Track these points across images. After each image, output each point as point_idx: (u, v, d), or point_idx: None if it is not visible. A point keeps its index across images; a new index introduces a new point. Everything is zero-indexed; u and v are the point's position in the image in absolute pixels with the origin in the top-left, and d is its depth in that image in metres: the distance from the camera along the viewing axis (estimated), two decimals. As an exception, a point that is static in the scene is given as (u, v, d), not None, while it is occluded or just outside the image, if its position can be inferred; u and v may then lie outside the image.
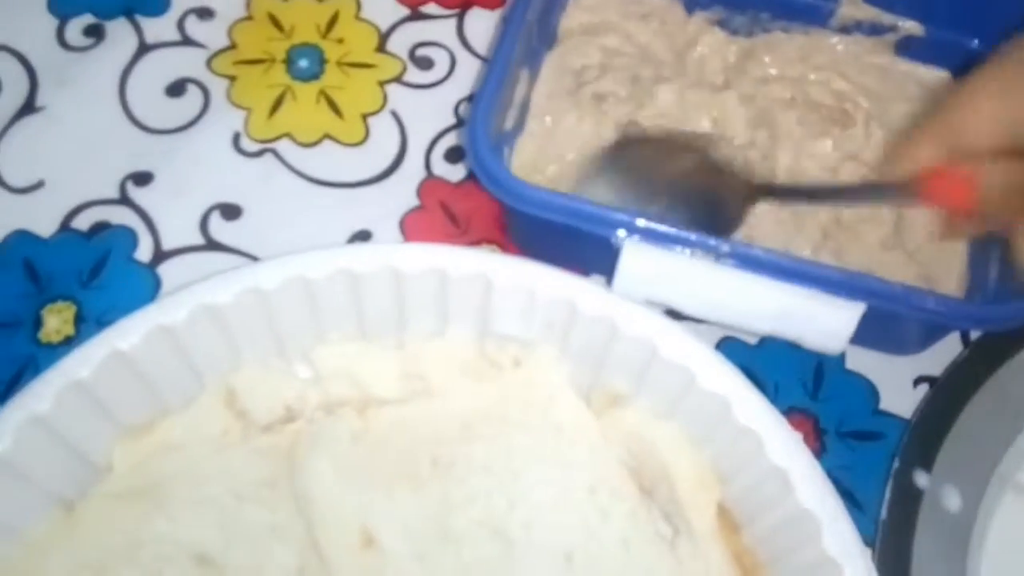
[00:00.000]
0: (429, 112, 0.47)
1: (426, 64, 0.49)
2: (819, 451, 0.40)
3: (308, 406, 0.37)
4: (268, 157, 0.46)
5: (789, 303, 0.35)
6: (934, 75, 0.46)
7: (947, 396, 0.39)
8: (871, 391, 0.42)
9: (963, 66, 0.46)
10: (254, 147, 0.46)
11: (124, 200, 0.44)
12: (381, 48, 0.49)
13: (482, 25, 0.50)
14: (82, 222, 0.43)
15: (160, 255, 0.43)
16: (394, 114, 0.47)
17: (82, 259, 0.43)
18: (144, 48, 0.48)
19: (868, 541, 0.36)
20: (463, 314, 0.37)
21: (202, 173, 0.45)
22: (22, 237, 0.43)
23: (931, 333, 0.41)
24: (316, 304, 0.36)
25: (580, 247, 0.38)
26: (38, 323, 0.41)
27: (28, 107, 0.46)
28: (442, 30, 0.50)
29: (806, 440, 0.40)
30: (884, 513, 0.36)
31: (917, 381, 0.42)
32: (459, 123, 0.47)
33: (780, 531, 0.34)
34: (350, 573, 0.34)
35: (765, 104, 0.45)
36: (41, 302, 0.41)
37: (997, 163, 0.34)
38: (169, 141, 0.46)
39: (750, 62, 0.46)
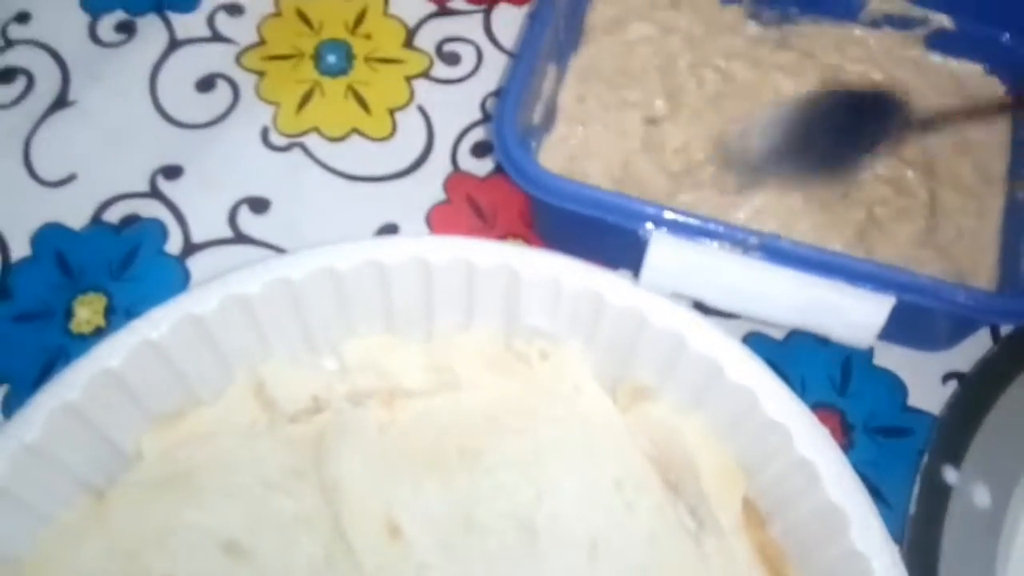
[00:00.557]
0: (456, 107, 0.48)
1: (453, 59, 0.49)
2: (846, 447, 0.40)
3: (335, 397, 0.37)
4: (296, 152, 0.46)
5: (818, 296, 0.35)
6: (967, 68, 0.46)
7: (977, 392, 0.38)
8: (899, 387, 0.41)
9: (994, 59, 0.45)
10: (282, 141, 0.46)
11: (154, 193, 0.45)
12: (408, 44, 0.49)
13: (509, 20, 0.50)
14: (113, 215, 0.44)
15: (189, 248, 0.43)
16: (421, 109, 0.48)
17: (113, 251, 0.43)
18: (174, 44, 0.49)
19: (896, 538, 0.36)
20: (490, 307, 0.38)
21: (231, 167, 0.45)
22: (54, 229, 0.43)
23: (961, 328, 0.40)
24: (344, 295, 0.37)
25: (607, 240, 0.38)
26: (69, 314, 0.42)
27: (60, 102, 0.47)
28: (469, 25, 0.50)
29: (833, 436, 0.40)
30: (912, 509, 0.36)
31: (946, 377, 0.41)
32: (486, 118, 0.47)
33: (807, 525, 0.34)
34: (376, 563, 0.34)
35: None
36: (72, 293, 0.42)
37: None
38: (199, 135, 0.46)
39: (782, 53, 0.45)
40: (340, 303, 0.37)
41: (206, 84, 0.48)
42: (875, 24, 0.46)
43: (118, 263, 0.43)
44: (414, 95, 0.48)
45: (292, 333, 0.37)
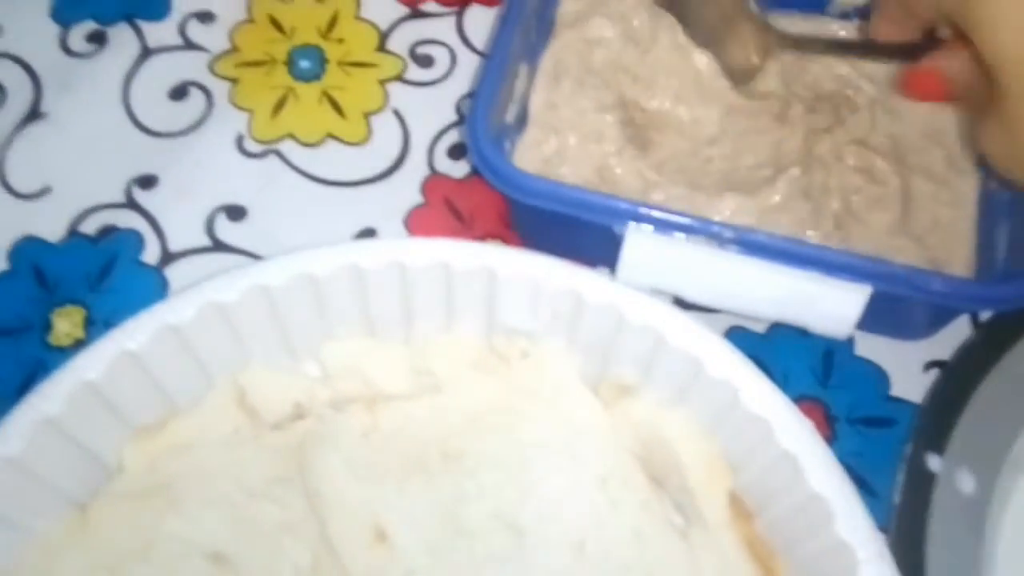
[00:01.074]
0: (431, 109, 0.47)
1: (427, 62, 0.49)
2: (830, 438, 0.40)
3: (317, 403, 0.37)
4: (272, 158, 0.46)
5: (794, 288, 0.35)
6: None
7: (958, 379, 0.38)
8: (881, 377, 0.41)
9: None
10: (257, 148, 0.46)
11: (130, 204, 0.44)
12: (381, 47, 0.49)
13: (482, 21, 0.50)
14: (89, 226, 0.44)
15: (167, 257, 0.43)
16: (396, 112, 0.47)
17: (90, 263, 0.43)
18: (146, 52, 0.48)
19: (882, 527, 0.36)
20: (470, 308, 0.37)
21: (206, 175, 0.45)
22: (30, 243, 0.43)
23: (940, 316, 0.40)
24: (323, 301, 0.37)
25: (584, 238, 0.38)
26: (48, 327, 0.41)
27: (33, 114, 0.46)
28: (442, 27, 0.50)
29: (817, 428, 0.40)
30: (897, 498, 0.36)
31: (928, 366, 0.41)
32: (461, 120, 0.47)
33: (793, 517, 0.34)
34: (363, 568, 0.34)
35: None
36: (50, 306, 0.42)
37: (955, 55, 0.36)
38: (173, 144, 0.46)
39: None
40: (319, 308, 0.37)
41: (179, 92, 0.47)
42: (844, 16, 0.46)
43: (96, 275, 0.43)
44: (388, 98, 0.48)
45: (272, 340, 0.37)
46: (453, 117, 0.47)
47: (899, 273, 0.35)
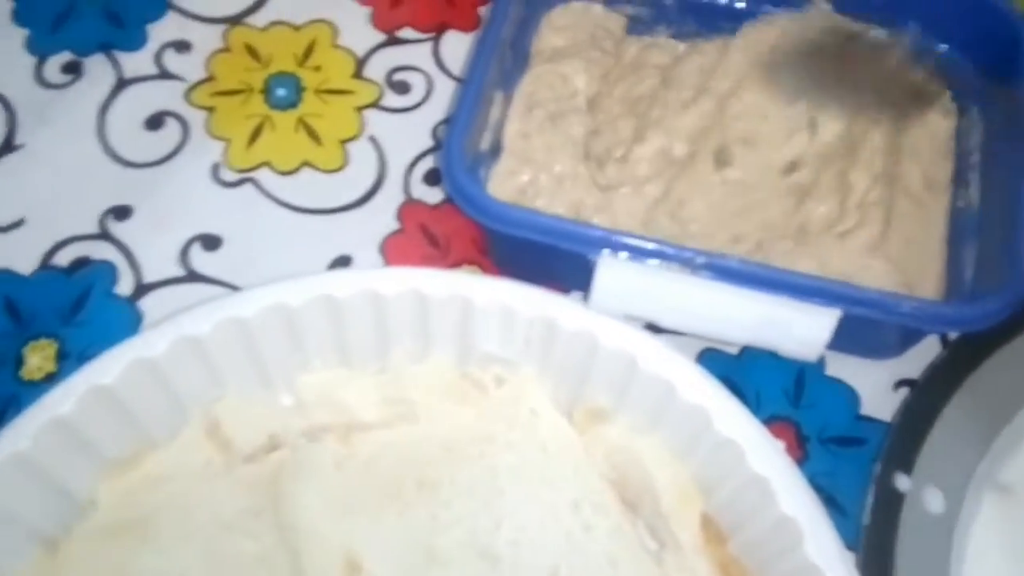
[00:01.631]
0: (407, 136, 0.48)
1: (403, 88, 0.49)
2: (802, 458, 0.40)
3: (291, 434, 0.37)
4: (247, 187, 0.46)
5: (765, 312, 0.36)
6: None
7: (926, 398, 0.39)
8: (852, 396, 0.42)
9: (935, 70, 0.46)
10: (233, 177, 0.46)
11: (104, 235, 0.44)
12: (358, 74, 0.50)
13: (458, 48, 0.50)
14: (63, 258, 0.44)
15: (141, 288, 0.43)
16: (372, 139, 0.48)
17: (63, 296, 0.43)
18: (122, 83, 0.49)
19: (852, 547, 0.37)
20: (444, 336, 0.38)
21: (182, 205, 0.45)
22: (3, 276, 0.43)
23: (909, 337, 0.41)
24: (297, 331, 0.37)
25: (558, 265, 0.38)
26: (20, 361, 0.41)
27: (7, 146, 0.46)
28: (418, 54, 0.50)
29: (789, 448, 0.41)
30: (866, 518, 0.36)
31: (898, 384, 0.42)
32: (437, 146, 0.48)
33: (765, 540, 0.34)
34: (338, 599, 0.34)
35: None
36: (23, 340, 0.42)
37: None
38: (148, 174, 0.46)
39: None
40: (293, 339, 0.37)
41: (155, 122, 0.48)
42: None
43: (69, 307, 0.43)
44: (365, 125, 0.48)
45: (246, 371, 0.37)
46: (430, 143, 0.48)
47: (868, 297, 0.36)
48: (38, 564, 0.33)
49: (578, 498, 0.36)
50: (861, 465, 0.39)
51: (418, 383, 0.38)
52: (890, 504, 0.36)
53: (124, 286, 0.43)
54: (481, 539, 0.35)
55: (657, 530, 0.36)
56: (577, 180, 0.42)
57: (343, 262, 0.45)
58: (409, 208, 0.46)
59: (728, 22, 0.46)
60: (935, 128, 0.45)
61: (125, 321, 0.42)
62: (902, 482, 0.37)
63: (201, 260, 0.44)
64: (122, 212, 0.45)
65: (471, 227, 0.45)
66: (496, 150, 0.44)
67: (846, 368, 0.42)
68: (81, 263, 0.44)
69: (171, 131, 0.47)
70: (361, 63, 0.50)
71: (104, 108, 0.48)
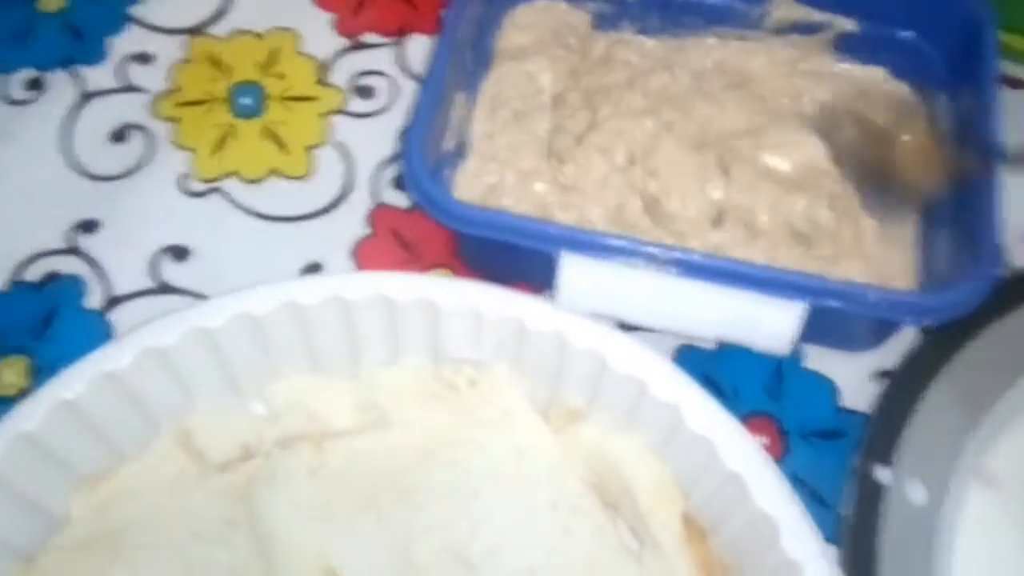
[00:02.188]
0: (374, 140, 0.47)
1: (367, 93, 0.49)
2: (783, 452, 0.40)
3: (264, 443, 0.37)
4: (215, 196, 0.46)
5: (732, 306, 0.35)
6: (872, 73, 0.46)
7: (903, 388, 0.38)
8: (831, 389, 0.41)
9: (900, 60, 0.46)
10: (200, 187, 0.46)
11: (72, 249, 0.44)
12: (322, 80, 0.49)
13: (421, 51, 0.50)
14: (32, 274, 0.43)
15: (112, 302, 0.43)
16: (339, 145, 0.47)
17: (33, 311, 0.42)
18: (86, 97, 0.48)
19: (834, 541, 0.36)
20: (414, 340, 0.37)
21: (149, 217, 0.45)
22: (-29, 294, 0.43)
23: (883, 328, 0.41)
24: (265, 340, 0.36)
25: (527, 265, 0.38)
26: (-9, 379, 0.41)
27: (-29, 164, 0.46)
28: (382, 58, 0.50)
29: (769, 442, 0.40)
30: (845, 511, 0.36)
31: (876, 375, 0.42)
32: (404, 149, 0.47)
33: (743, 536, 0.34)
34: (313, 609, 0.34)
35: None
36: (-6, 357, 0.41)
37: None
38: (115, 187, 0.46)
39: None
40: (262, 347, 0.36)
41: (120, 135, 0.47)
42: (779, 31, 0.46)
43: (39, 323, 0.42)
44: (331, 131, 0.48)
45: (215, 381, 0.37)
46: (396, 147, 0.47)
47: (834, 288, 0.35)
48: (11, 580, 0.33)
49: (556, 499, 0.36)
50: (842, 458, 0.39)
51: (391, 387, 0.38)
52: (870, 496, 0.36)
53: (94, 300, 0.43)
54: (457, 545, 0.35)
55: (637, 530, 0.36)
56: (543, 178, 0.42)
57: (314, 269, 0.44)
58: (380, 213, 0.46)
59: (691, 16, 0.46)
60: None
61: (96, 335, 0.42)
62: (882, 474, 0.36)
63: (171, 271, 0.44)
64: (90, 226, 0.45)
65: (442, 230, 0.44)
66: (462, 150, 0.44)
67: (824, 361, 0.42)
68: (50, 278, 0.43)
69: (136, 143, 0.47)
70: (325, 69, 0.50)
71: (68, 122, 0.47)
